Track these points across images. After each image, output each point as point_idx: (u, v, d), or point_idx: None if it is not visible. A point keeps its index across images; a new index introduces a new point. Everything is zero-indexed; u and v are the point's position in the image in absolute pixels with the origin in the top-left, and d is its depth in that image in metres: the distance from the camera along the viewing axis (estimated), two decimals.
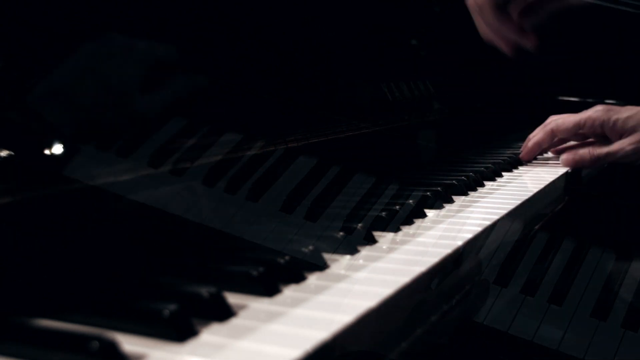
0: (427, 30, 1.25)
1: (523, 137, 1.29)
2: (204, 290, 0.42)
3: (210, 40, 0.71)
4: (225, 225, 0.63)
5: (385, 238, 0.61)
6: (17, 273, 0.46)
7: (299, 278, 0.49)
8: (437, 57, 1.24)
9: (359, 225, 0.59)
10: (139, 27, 0.63)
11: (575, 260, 0.92)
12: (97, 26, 0.59)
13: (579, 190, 0.97)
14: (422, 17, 1.31)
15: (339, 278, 0.49)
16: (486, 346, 0.74)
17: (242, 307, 0.43)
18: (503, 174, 0.94)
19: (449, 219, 0.68)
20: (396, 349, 0.46)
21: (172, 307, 0.39)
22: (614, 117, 0.96)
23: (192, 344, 0.39)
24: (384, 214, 0.64)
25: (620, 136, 0.95)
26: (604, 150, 0.95)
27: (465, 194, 0.81)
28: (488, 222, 0.65)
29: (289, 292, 0.47)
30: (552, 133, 1.02)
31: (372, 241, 0.59)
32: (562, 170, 0.96)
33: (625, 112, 0.96)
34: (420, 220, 0.68)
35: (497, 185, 0.87)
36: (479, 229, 0.62)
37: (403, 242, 0.59)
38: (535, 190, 0.83)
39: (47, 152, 0.49)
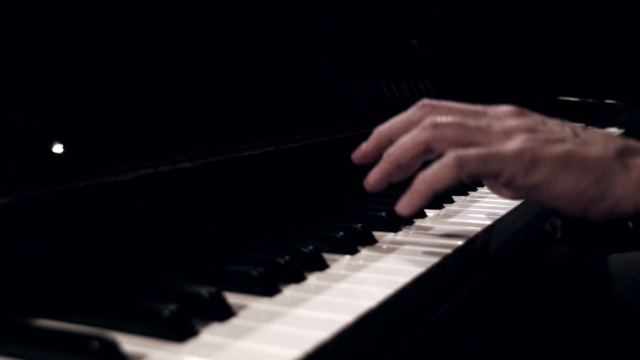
0: (427, 30, 1.25)
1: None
2: (204, 290, 0.42)
3: (207, 40, 0.71)
4: (225, 225, 0.63)
5: (385, 238, 0.61)
6: (17, 273, 0.46)
7: (299, 278, 0.49)
8: (437, 57, 1.24)
9: (359, 225, 0.59)
10: (140, 26, 0.63)
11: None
12: (97, 26, 0.59)
13: None
14: (422, 17, 1.31)
15: (339, 278, 0.49)
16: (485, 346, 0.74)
17: (242, 307, 0.44)
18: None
19: (449, 219, 0.68)
20: (396, 349, 0.46)
21: (172, 307, 0.39)
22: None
23: (192, 344, 0.39)
24: (383, 214, 0.64)
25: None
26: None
27: (465, 193, 0.81)
28: (488, 222, 0.65)
29: (289, 292, 0.47)
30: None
31: (372, 241, 0.59)
32: None
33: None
34: (420, 220, 0.68)
35: None
36: (479, 228, 0.62)
37: (403, 242, 0.59)
38: None
39: (47, 152, 0.49)
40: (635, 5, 1.62)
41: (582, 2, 1.66)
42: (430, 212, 0.71)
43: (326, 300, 0.45)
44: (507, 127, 0.56)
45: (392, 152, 0.58)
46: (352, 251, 0.56)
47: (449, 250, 0.55)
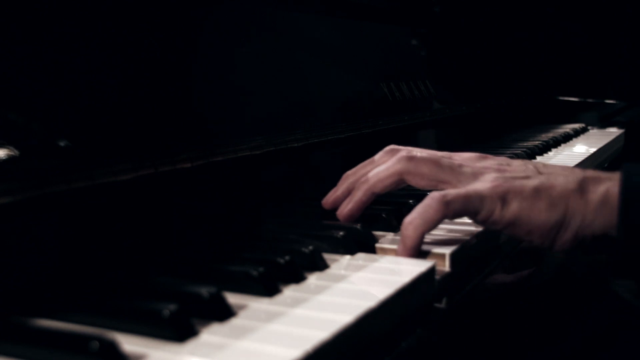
0: (427, 30, 1.25)
1: (523, 137, 1.29)
2: (204, 290, 0.42)
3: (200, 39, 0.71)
4: (225, 225, 0.63)
5: (385, 238, 0.61)
6: (17, 273, 0.46)
7: (299, 278, 0.49)
8: (437, 57, 1.24)
9: (359, 225, 0.59)
10: (139, 25, 0.63)
11: None
12: (96, 25, 0.59)
13: None
14: (422, 17, 1.31)
15: (339, 278, 0.49)
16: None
17: (242, 307, 0.44)
18: None
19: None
20: (397, 348, 0.46)
21: (172, 307, 0.39)
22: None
23: (192, 344, 0.39)
24: (383, 214, 0.64)
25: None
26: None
27: None
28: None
29: (289, 292, 0.47)
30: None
31: (372, 241, 0.59)
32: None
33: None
34: None
35: None
36: (480, 228, 0.62)
37: None
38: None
39: (47, 152, 0.49)
40: (635, 6, 1.62)
41: (582, 2, 1.66)
42: None
43: (326, 300, 0.45)
44: (476, 168, 0.61)
45: (366, 181, 0.62)
46: (352, 251, 0.56)
47: (449, 250, 0.55)
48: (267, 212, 0.69)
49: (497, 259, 0.66)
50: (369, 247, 0.58)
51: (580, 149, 1.22)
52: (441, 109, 1.11)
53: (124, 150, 0.54)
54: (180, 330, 0.39)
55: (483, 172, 0.60)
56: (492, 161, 0.63)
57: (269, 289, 0.46)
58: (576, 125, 1.51)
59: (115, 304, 0.43)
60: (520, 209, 0.57)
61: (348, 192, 0.65)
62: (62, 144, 0.50)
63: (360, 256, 0.55)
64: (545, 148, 1.18)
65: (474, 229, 0.62)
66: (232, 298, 0.44)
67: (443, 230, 0.63)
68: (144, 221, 0.56)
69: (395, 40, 1.14)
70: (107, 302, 0.44)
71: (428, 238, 0.58)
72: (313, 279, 0.49)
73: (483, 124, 1.31)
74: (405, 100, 1.00)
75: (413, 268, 0.50)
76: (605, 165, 1.23)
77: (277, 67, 0.79)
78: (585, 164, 1.07)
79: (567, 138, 1.34)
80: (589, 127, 1.56)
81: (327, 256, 0.53)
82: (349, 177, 0.66)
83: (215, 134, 0.64)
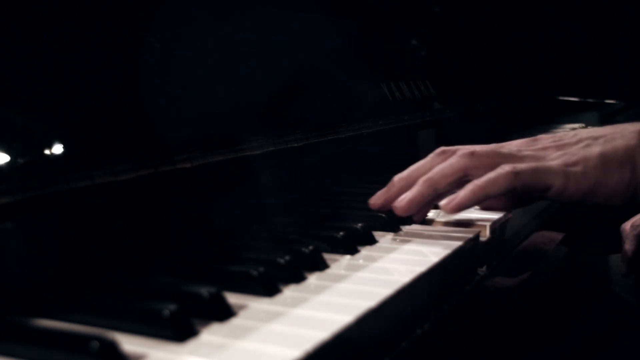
0: (427, 30, 1.25)
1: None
2: (204, 290, 0.42)
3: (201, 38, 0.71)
4: (226, 225, 0.63)
5: (385, 238, 0.61)
6: (17, 273, 0.46)
7: (299, 278, 0.49)
8: (437, 57, 1.24)
9: (359, 225, 0.59)
10: (139, 25, 0.63)
11: None
12: (96, 24, 0.59)
13: None
14: (422, 17, 1.31)
15: (339, 278, 0.49)
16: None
17: (242, 307, 0.44)
18: None
19: (450, 219, 0.68)
20: (397, 348, 0.46)
21: (172, 307, 0.39)
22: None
23: (192, 344, 0.39)
24: (384, 214, 0.64)
25: None
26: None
27: None
28: (488, 222, 0.65)
29: (289, 292, 0.47)
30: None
31: (372, 241, 0.59)
32: None
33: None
34: None
35: None
36: (480, 229, 0.62)
37: (403, 242, 0.59)
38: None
39: (47, 152, 0.49)
40: (635, 6, 1.62)
41: (582, 2, 1.66)
42: (430, 212, 0.71)
43: (326, 300, 0.45)
44: (535, 150, 0.62)
45: (430, 178, 0.60)
46: (352, 251, 0.56)
47: (449, 250, 0.55)
48: (267, 212, 0.69)
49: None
50: (369, 246, 0.58)
51: None
52: (441, 108, 1.11)
53: (124, 150, 0.54)
54: (180, 330, 0.39)
55: (544, 152, 0.62)
56: (546, 141, 0.64)
57: (269, 289, 0.46)
58: (576, 125, 1.51)
59: (115, 304, 0.43)
60: (594, 177, 0.58)
61: (401, 193, 0.63)
62: (62, 143, 0.50)
63: (360, 256, 0.55)
64: None
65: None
66: (232, 298, 0.44)
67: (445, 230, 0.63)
68: (144, 221, 0.56)
69: (395, 40, 1.13)
70: (107, 302, 0.44)
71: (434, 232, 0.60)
72: (313, 279, 0.49)
73: (483, 124, 1.31)
74: (405, 100, 1.00)
75: (413, 268, 0.50)
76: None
77: (277, 66, 0.79)
78: None
79: None
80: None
81: (327, 256, 0.53)
82: (402, 179, 0.64)
83: (215, 133, 0.64)
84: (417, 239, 0.60)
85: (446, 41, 1.35)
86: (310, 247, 0.52)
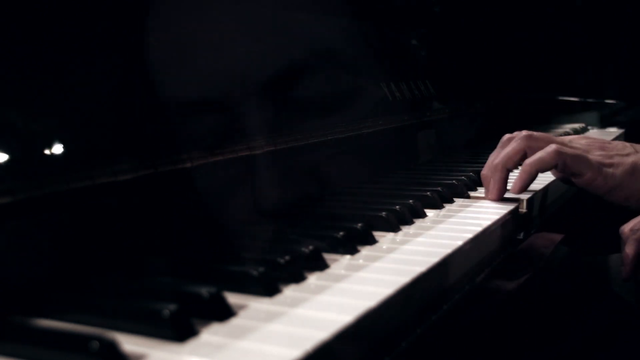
0: (427, 30, 1.25)
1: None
2: (204, 290, 0.42)
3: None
4: (226, 224, 0.63)
5: (385, 238, 0.61)
6: (17, 273, 0.46)
7: (299, 278, 0.49)
8: (437, 57, 1.24)
9: (359, 225, 0.59)
10: (139, 25, 0.63)
11: None
12: (96, 24, 0.59)
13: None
14: (422, 17, 1.31)
15: (339, 278, 0.49)
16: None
17: (242, 307, 0.44)
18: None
19: (450, 219, 0.68)
20: (397, 348, 0.46)
21: (172, 307, 0.39)
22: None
23: (192, 344, 0.39)
24: (383, 213, 0.64)
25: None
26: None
27: (466, 193, 0.81)
28: (488, 222, 0.65)
29: (289, 292, 0.47)
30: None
31: (372, 241, 0.59)
32: None
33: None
34: (421, 220, 0.68)
35: None
36: (479, 228, 0.62)
37: (403, 242, 0.59)
38: (540, 186, 0.83)
39: (47, 152, 0.49)
40: (635, 6, 1.62)
41: (582, 2, 1.66)
42: (430, 212, 0.71)
43: (326, 300, 0.45)
44: (583, 145, 0.76)
45: (499, 163, 0.76)
46: (352, 251, 0.56)
47: (449, 250, 0.55)
48: (267, 212, 0.69)
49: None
50: (369, 246, 0.58)
51: None
52: (441, 108, 1.11)
53: (124, 150, 0.54)
54: (180, 330, 0.39)
55: (591, 147, 0.75)
56: (595, 141, 0.77)
57: (269, 289, 0.46)
58: (576, 125, 1.51)
59: (115, 304, 0.43)
60: (621, 179, 0.71)
61: (488, 181, 0.77)
62: (62, 143, 0.50)
63: (360, 256, 0.55)
64: None
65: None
66: (232, 298, 0.44)
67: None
68: (144, 221, 0.56)
69: (395, 40, 1.13)
70: (107, 302, 0.44)
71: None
72: (313, 279, 0.49)
73: (483, 124, 1.31)
74: (405, 100, 1.00)
75: (413, 268, 0.50)
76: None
77: (276, 66, 0.79)
78: None
79: None
80: (589, 127, 1.56)
81: (327, 256, 0.53)
82: (486, 174, 0.78)
83: (215, 133, 0.64)
84: (417, 239, 0.60)
85: (446, 41, 1.35)
86: (310, 247, 0.52)
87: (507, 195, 0.79)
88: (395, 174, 0.94)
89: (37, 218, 0.48)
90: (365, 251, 0.57)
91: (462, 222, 0.67)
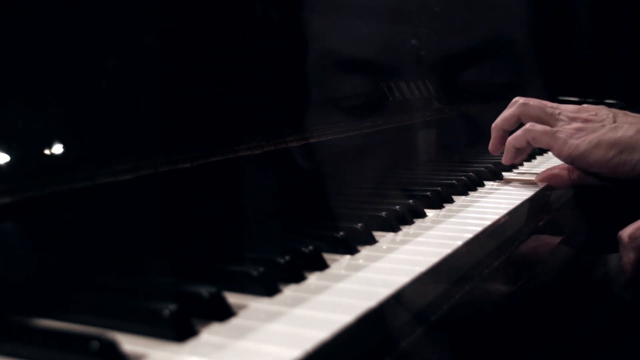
0: (427, 30, 1.24)
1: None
2: (204, 290, 0.42)
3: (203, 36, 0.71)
4: (225, 225, 0.63)
5: (385, 238, 0.61)
6: (17, 273, 0.46)
7: (299, 278, 0.49)
8: (437, 57, 1.24)
9: (359, 225, 0.59)
10: (139, 25, 0.63)
11: None
12: (96, 25, 0.59)
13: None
14: (422, 17, 1.31)
15: (339, 278, 0.49)
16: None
17: (242, 307, 0.44)
18: (503, 173, 0.94)
19: (449, 219, 0.68)
20: (397, 348, 0.46)
21: (172, 307, 0.39)
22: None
23: (192, 344, 0.39)
24: (383, 213, 0.64)
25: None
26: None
27: (465, 194, 0.81)
28: (488, 222, 0.65)
29: (289, 292, 0.47)
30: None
31: (372, 241, 0.59)
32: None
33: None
34: (421, 220, 0.68)
35: (497, 185, 0.87)
36: (479, 228, 0.62)
37: (403, 242, 0.59)
38: (539, 187, 0.83)
39: (47, 152, 0.49)
40: (635, 5, 1.62)
41: (582, 2, 1.66)
42: (430, 212, 0.71)
43: (326, 300, 0.45)
44: (571, 117, 0.83)
45: (497, 123, 0.90)
46: (352, 251, 0.56)
47: (448, 250, 0.55)
48: (267, 212, 0.69)
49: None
50: (369, 246, 0.58)
51: None
52: (441, 108, 1.11)
53: (124, 150, 0.54)
54: (180, 330, 0.39)
55: (572, 122, 0.83)
56: (584, 112, 0.84)
57: (269, 289, 0.46)
58: None
59: (115, 304, 0.43)
60: (584, 149, 0.79)
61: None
62: (62, 143, 0.50)
63: (360, 256, 0.55)
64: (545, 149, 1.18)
65: None
66: (232, 298, 0.44)
67: None
68: (144, 221, 0.56)
69: (395, 40, 1.13)
70: (107, 302, 0.44)
71: None
72: (313, 279, 0.49)
73: (483, 124, 1.31)
74: (405, 100, 1.00)
75: (413, 268, 0.51)
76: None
77: (276, 66, 0.79)
78: None
79: None
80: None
81: (327, 256, 0.53)
82: (493, 127, 0.91)
83: (215, 133, 0.64)
84: (417, 239, 0.60)
85: (446, 41, 1.35)
86: (310, 247, 0.52)
87: (507, 195, 0.79)
88: (395, 174, 0.94)
89: (37, 218, 0.48)
90: (365, 251, 0.57)
91: (462, 222, 0.67)
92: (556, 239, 0.83)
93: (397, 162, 0.96)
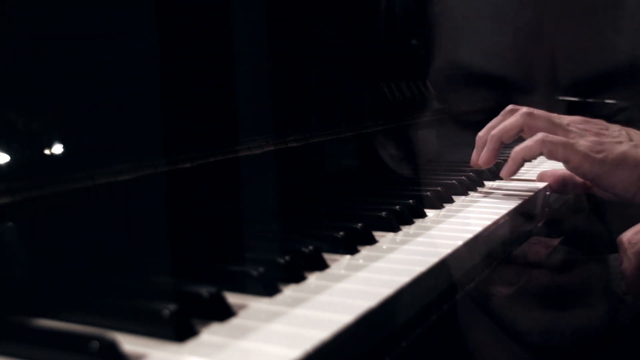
0: (427, 30, 1.24)
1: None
2: (204, 290, 0.42)
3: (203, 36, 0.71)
4: (225, 224, 0.63)
5: (385, 238, 0.61)
6: (17, 273, 0.46)
7: (299, 278, 0.49)
8: (437, 57, 1.24)
9: (359, 225, 0.59)
10: (140, 27, 0.63)
11: None
12: (97, 25, 0.59)
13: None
14: (422, 17, 1.31)
15: (339, 278, 0.49)
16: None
17: (242, 307, 0.44)
18: None
19: (449, 219, 0.68)
20: (397, 348, 0.46)
21: (172, 307, 0.39)
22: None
23: (192, 344, 0.39)
24: (383, 213, 0.64)
25: None
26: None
27: (465, 194, 0.81)
28: (488, 222, 0.65)
29: (289, 292, 0.47)
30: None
31: (372, 241, 0.59)
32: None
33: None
34: (421, 220, 0.68)
35: (497, 185, 0.87)
36: (479, 228, 0.62)
37: (403, 242, 0.59)
38: (541, 186, 0.83)
39: (47, 152, 0.49)
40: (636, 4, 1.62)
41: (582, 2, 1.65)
42: (430, 212, 0.71)
43: (326, 300, 0.45)
44: (580, 129, 0.76)
45: (495, 134, 0.79)
46: (352, 251, 0.56)
47: (448, 250, 0.55)
48: (267, 212, 0.69)
49: None
50: (369, 246, 0.58)
51: None
52: (441, 108, 1.11)
53: (124, 150, 0.54)
54: (180, 330, 0.39)
55: (586, 133, 0.75)
56: (593, 125, 0.77)
57: (269, 289, 0.46)
58: None
59: (115, 304, 0.43)
60: (607, 168, 0.71)
61: (482, 148, 0.80)
62: (62, 143, 0.50)
63: (360, 256, 0.55)
64: None
65: None
66: (232, 298, 0.44)
67: None
68: (144, 221, 0.56)
69: (395, 40, 1.13)
70: (107, 302, 0.44)
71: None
72: (313, 278, 0.49)
73: (483, 124, 1.31)
74: (405, 100, 1.00)
75: (413, 268, 0.50)
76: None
77: (276, 66, 0.79)
78: None
79: None
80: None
81: (327, 256, 0.53)
82: (481, 138, 0.81)
83: (215, 133, 0.64)
84: (417, 238, 0.60)
85: (446, 41, 1.35)
86: (310, 247, 0.52)
87: (507, 195, 0.79)
88: (395, 174, 0.94)
89: (37, 218, 0.48)
90: (365, 251, 0.57)
91: (462, 222, 0.67)
92: (553, 241, 0.83)
93: (397, 162, 0.96)
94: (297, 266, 0.49)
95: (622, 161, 0.71)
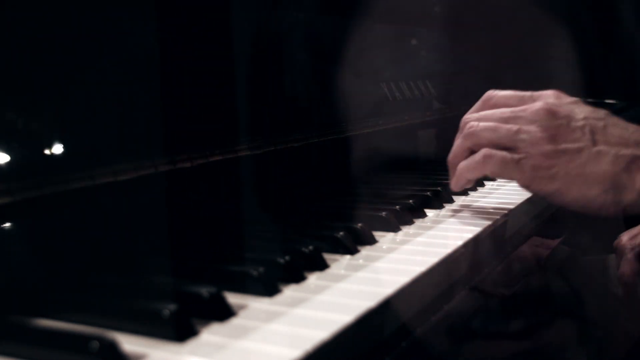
0: (427, 30, 1.25)
1: None
2: (204, 290, 0.42)
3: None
4: (225, 224, 0.63)
5: (385, 238, 0.61)
6: (17, 273, 0.46)
7: (299, 278, 0.49)
8: (437, 57, 1.24)
9: (359, 225, 0.59)
10: (140, 27, 0.63)
11: None
12: (97, 26, 0.59)
13: None
14: (422, 17, 1.31)
15: (339, 278, 0.49)
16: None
17: (242, 307, 0.44)
18: None
19: (449, 219, 0.68)
20: (397, 348, 0.46)
21: (172, 307, 0.39)
22: None
23: (192, 344, 0.39)
24: (383, 213, 0.64)
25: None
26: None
27: (465, 193, 0.81)
28: (488, 222, 0.65)
29: (289, 292, 0.47)
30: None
31: (372, 241, 0.59)
32: None
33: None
34: (421, 220, 0.68)
35: (497, 185, 0.87)
36: (479, 228, 0.62)
37: (403, 242, 0.59)
38: None
39: (47, 152, 0.49)
40: (635, 5, 1.62)
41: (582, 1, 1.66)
42: (430, 212, 0.71)
43: (326, 300, 0.45)
44: (532, 137, 0.64)
45: (450, 160, 0.72)
46: (352, 251, 0.56)
47: (449, 250, 0.55)
48: (267, 212, 0.69)
49: None
50: (369, 246, 0.58)
51: None
52: (441, 108, 1.11)
53: (124, 150, 0.54)
54: (180, 330, 0.39)
55: (539, 142, 0.63)
56: (553, 122, 0.65)
57: (269, 289, 0.46)
58: None
59: (115, 304, 0.43)
60: (559, 186, 0.62)
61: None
62: (62, 143, 0.50)
63: (360, 256, 0.55)
64: None
65: None
66: (232, 298, 0.44)
67: None
68: (144, 221, 0.56)
69: (395, 40, 1.13)
70: (107, 302, 0.44)
71: None
72: (313, 279, 0.49)
73: None
74: (405, 100, 1.00)
75: (413, 268, 0.51)
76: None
77: (276, 67, 0.79)
78: None
79: None
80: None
81: (327, 256, 0.53)
82: (449, 160, 0.72)
83: (215, 133, 0.64)
84: (417, 239, 0.60)
85: (446, 41, 1.35)
86: (310, 247, 0.52)
87: (507, 195, 0.79)
88: (395, 174, 0.93)
89: (37, 218, 0.48)
90: (365, 251, 0.57)
91: (462, 222, 0.67)
92: (553, 242, 0.83)
93: (398, 162, 0.96)
94: (297, 266, 0.49)
95: (577, 177, 0.61)
